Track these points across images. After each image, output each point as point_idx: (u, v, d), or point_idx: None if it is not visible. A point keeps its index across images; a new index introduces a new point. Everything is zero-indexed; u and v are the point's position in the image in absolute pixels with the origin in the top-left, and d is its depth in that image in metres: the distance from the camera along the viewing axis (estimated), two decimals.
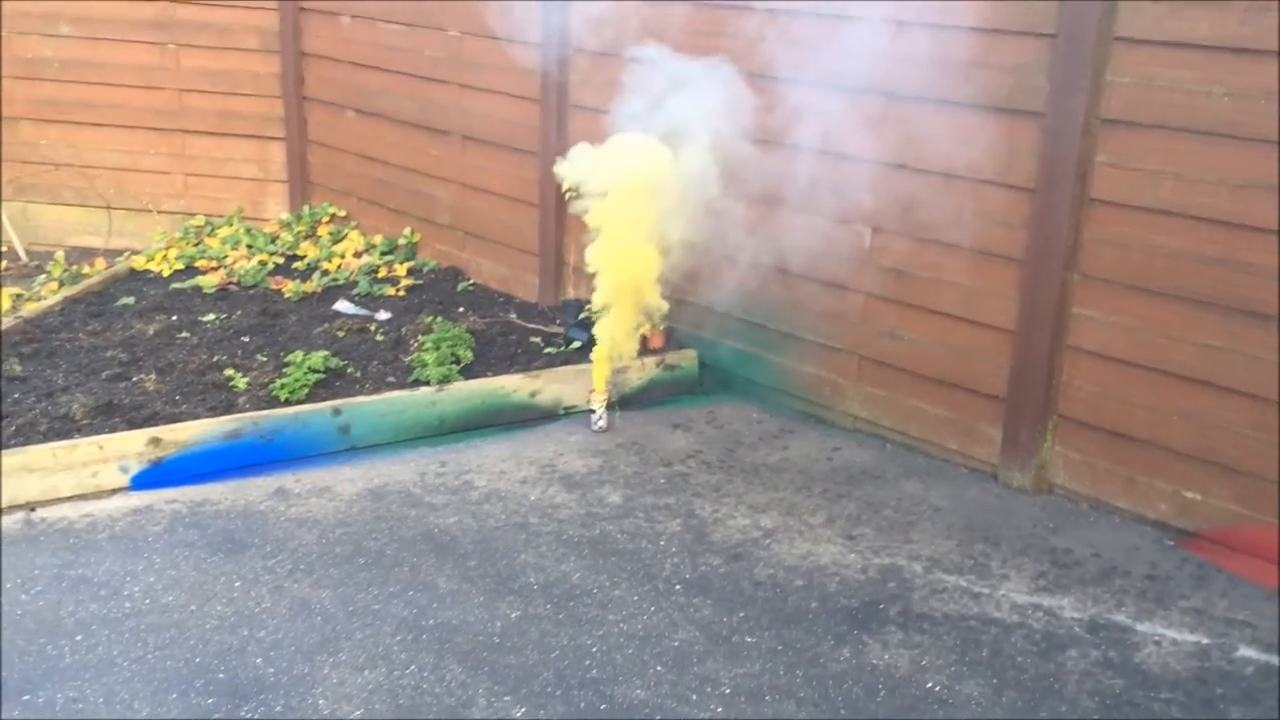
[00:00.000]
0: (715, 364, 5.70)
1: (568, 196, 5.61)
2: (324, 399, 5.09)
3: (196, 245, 7.41)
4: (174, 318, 6.20)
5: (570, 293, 6.27)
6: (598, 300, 5.18)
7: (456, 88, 6.67)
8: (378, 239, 7.30)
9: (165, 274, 6.99)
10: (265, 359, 5.56)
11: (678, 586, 3.97)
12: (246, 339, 5.89)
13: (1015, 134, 4.45)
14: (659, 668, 3.54)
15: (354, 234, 7.47)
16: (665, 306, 5.23)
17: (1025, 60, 4.37)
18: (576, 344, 5.67)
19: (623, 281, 5.10)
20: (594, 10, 5.73)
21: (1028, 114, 4.40)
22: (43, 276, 6.99)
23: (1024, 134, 4.43)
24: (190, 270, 7.04)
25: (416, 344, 5.66)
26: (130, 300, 6.45)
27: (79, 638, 3.63)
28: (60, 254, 7.26)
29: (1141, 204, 4.19)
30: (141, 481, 4.61)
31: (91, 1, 7.57)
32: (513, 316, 6.18)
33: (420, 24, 6.76)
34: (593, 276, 5.19)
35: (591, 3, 5.69)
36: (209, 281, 6.71)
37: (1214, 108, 3.96)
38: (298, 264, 7.15)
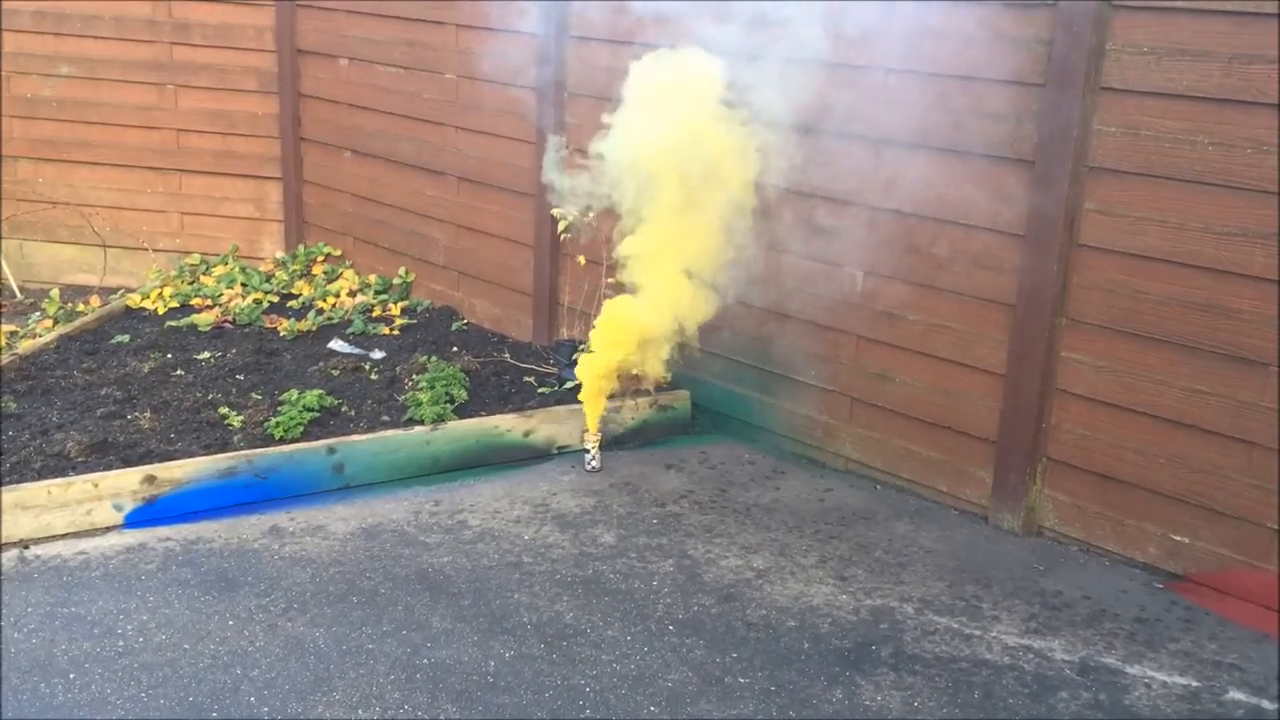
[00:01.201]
0: (708, 404, 5.73)
1: (563, 238, 5.67)
2: (318, 437, 5.12)
3: (192, 283, 7.45)
4: (169, 356, 6.22)
5: (564, 333, 6.31)
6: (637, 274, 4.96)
7: (452, 130, 6.74)
8: (372, 278, 7.35)
9: (160, 312, 7.02)
10: (260, 397, 5.59)
11: (670, 627, 3.99)
12: (241, 377, 5.91)
13: (1005, 181, 4.52)
14: (652, 708, 3.55)
15: (349, 273, 7.51)
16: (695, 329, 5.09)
17: (1015, 109, 4.45)
18: (570, 384, 5.70)
19: (672, 247, 4.82)
20: (589, 55, 5.82)
21: (1017, 161, 4.47)
22: (38, 314, 7.01)
23: (1014, 181, 4.49)
24: (185, 308, 7.07)
25: (411, 383, 5.69)
26: (125, 338, 6.48)
27: (72, 676, 3.63)
28: (55, 291, 7.28)
29: (1129, 250, 4.25)
30: (135, 519, 4.62)
31: (91, 42, 7.64)
32: (506, 356, 6.21)
33: (417, 68, 6.85)
34: (619, 266, 5.08)
35: (589, 47, 5.78)
36: (204, 320, 6.74)
37: (1200, 156, 4.04)
38: (292, 303, 7.19)
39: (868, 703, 3.59)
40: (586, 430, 5.22)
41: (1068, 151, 4.30)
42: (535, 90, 6.12)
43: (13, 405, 5.41)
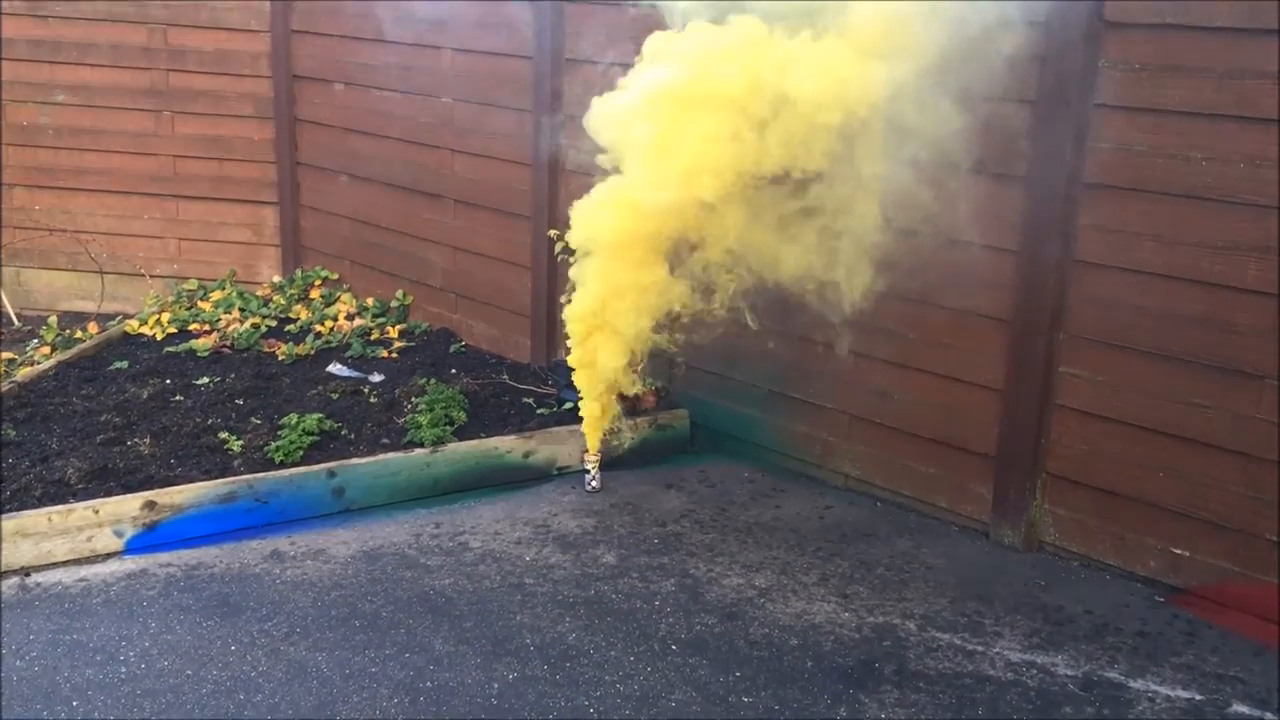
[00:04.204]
0: (706, 423, 5.74)
1: (560, 259, 5.67)
2: (318, 461, 5.12)
3: (189, 309, 7.45)
4: (168, 381, 6.22)
5: (562, 354, 6.31)
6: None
7: (448, 153, 6.76)
8: (370, 301, 7.36)
9: (158, 338, 7.02)
10: (259, 421, 5.59)
11: (673, 646, 3.99)
12: (240, 402, 5.92)
13: (1000, 197, 4.54)
14: None
15: (346, 297, 7.52)
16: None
17: (1009, 125, 4.47)
18: (569, 405, 5.71)
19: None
20: (584, 77, 5.84)
21: (1012, 178, 4.50)
22: (35, 341, 7.01)
23: (1009, 197, 4.52)
24: (183, 334, 7.07)
25: (410, 406, 5.70)
26: (124, 364, 6.48)
27: (75, 703, 3.62)
28: (53, 318, 7.28)
29: (1125, 265, 4.28)
30: (136, 545, 4.61)
31: (88, 69, 7.67)
32: (505, 377, 6.22)
33: (413, 91, 6.87)
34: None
35: (584, 69, 5.82)
36: (202, 345, 6.74)
37: (1193, 172, 4.07)
38: (290, 327, 7.19)
39: None
40: (586, 451, 5.23)
41: (1062, 168, 4.32)
42: (532, 112, 6.15)
43: (12, 433, 5.40)
